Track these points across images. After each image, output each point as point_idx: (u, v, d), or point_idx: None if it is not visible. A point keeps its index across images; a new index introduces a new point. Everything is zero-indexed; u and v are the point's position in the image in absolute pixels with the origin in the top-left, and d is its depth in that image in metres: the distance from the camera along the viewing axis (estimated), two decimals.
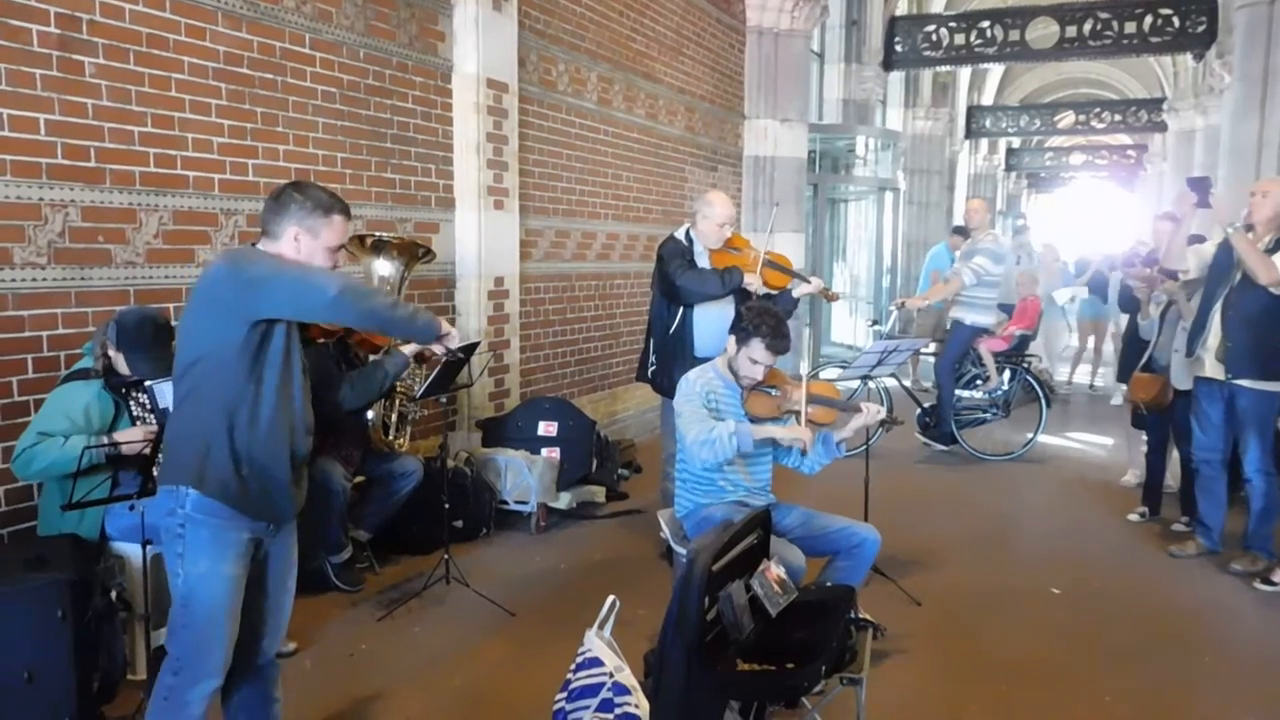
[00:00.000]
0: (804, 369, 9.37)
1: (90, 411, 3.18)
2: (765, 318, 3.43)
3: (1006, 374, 7.51)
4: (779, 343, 3.40)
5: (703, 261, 4.59)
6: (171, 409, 2.49)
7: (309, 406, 2.55)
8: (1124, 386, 5.96)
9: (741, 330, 3.44)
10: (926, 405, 7.43)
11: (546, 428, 5.55)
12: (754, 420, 3.50)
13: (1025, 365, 7.64)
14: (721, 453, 3.30)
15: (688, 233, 4.67)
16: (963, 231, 8.55)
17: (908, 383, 7.53)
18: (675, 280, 4.51)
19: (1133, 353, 5.84)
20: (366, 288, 2.49)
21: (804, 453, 3.47)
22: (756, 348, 3.40)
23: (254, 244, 2.50)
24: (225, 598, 2.37)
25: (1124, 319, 6.20)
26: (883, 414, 3.55)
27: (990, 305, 7.13)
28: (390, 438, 4.47)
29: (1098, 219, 32.26)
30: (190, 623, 2.36)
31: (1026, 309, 8.87)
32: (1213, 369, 4.62)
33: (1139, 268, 5.73)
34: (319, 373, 3.97)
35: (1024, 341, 8.47)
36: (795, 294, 4.64)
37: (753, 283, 4.42)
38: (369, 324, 2.54)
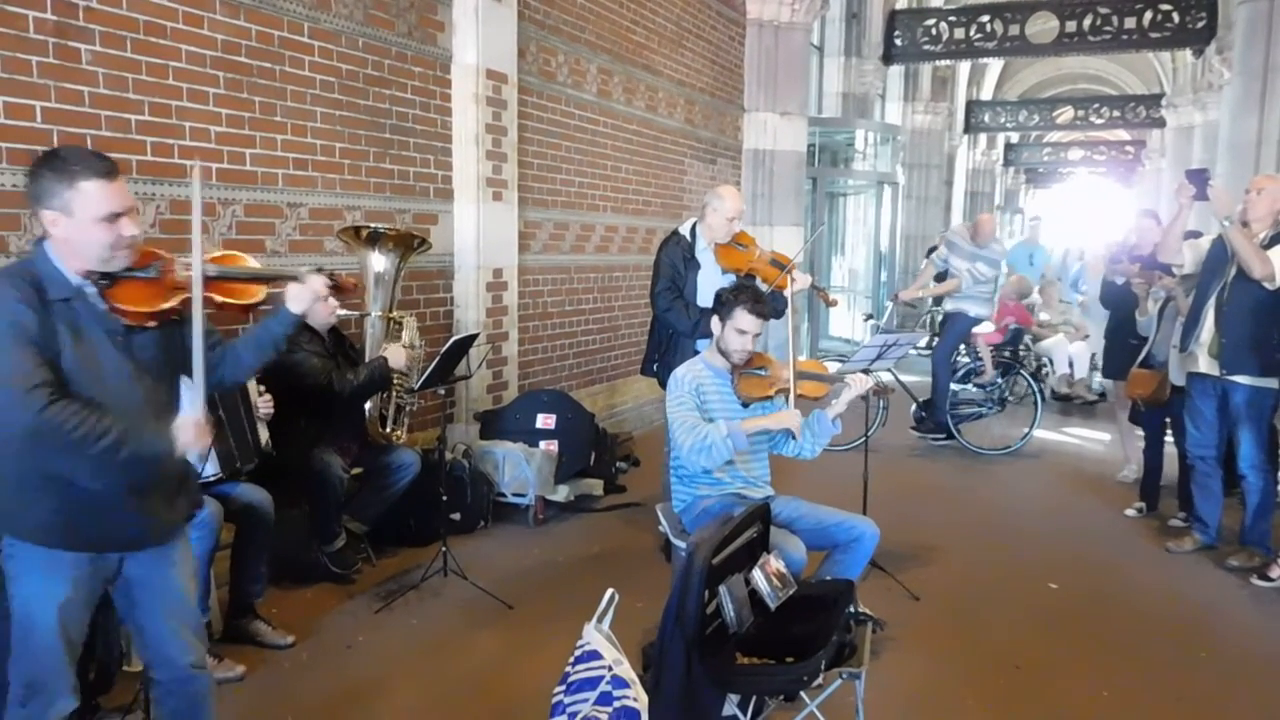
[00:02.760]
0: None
1: None
2: (743, 290, 3.55)
3: (1000, 370, 7.57)
4: (761, 307, 3.47)
5: (705, 258, 4.60)
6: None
7: (154, 413, 2.19)
8: (1111, 383, 6.00)
9: (723, 306, 3.51)
10: (921, 400, 7.44)
11: (545, 420, 5.54)
12: (746, 403, 3.52)
13: (1021, 360, 7.67)
14: (718, 457, 3.31)
15: (693, 228, 4.67)
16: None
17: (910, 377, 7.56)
18: (655, 307, 4.65)
19: (1118, 349, 5.86)
20: (72, 424, 1.99)
21: (794, 437, 3.48)
22: (740, 316, 3.45)
23: (40, 240, 2.15)
24: (60, 623, 2.17)
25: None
26: (870, 383, 3.56)
27: (988, 298, 7.32)
28: (388, 430, 4.45)
29: (1096, 214, 32.23)
30: (29, 648, 2.18)
31: (1015, 307, 8.92)
32: (1207, 365, 4.62)
33: (1125, 264, 5.75)
34: (301, 374, 3.98)
35: (1018, 335, 8.50)
36: (785, 292, 4.62)
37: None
38: (77, 463, 2.08)
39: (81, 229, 2.07)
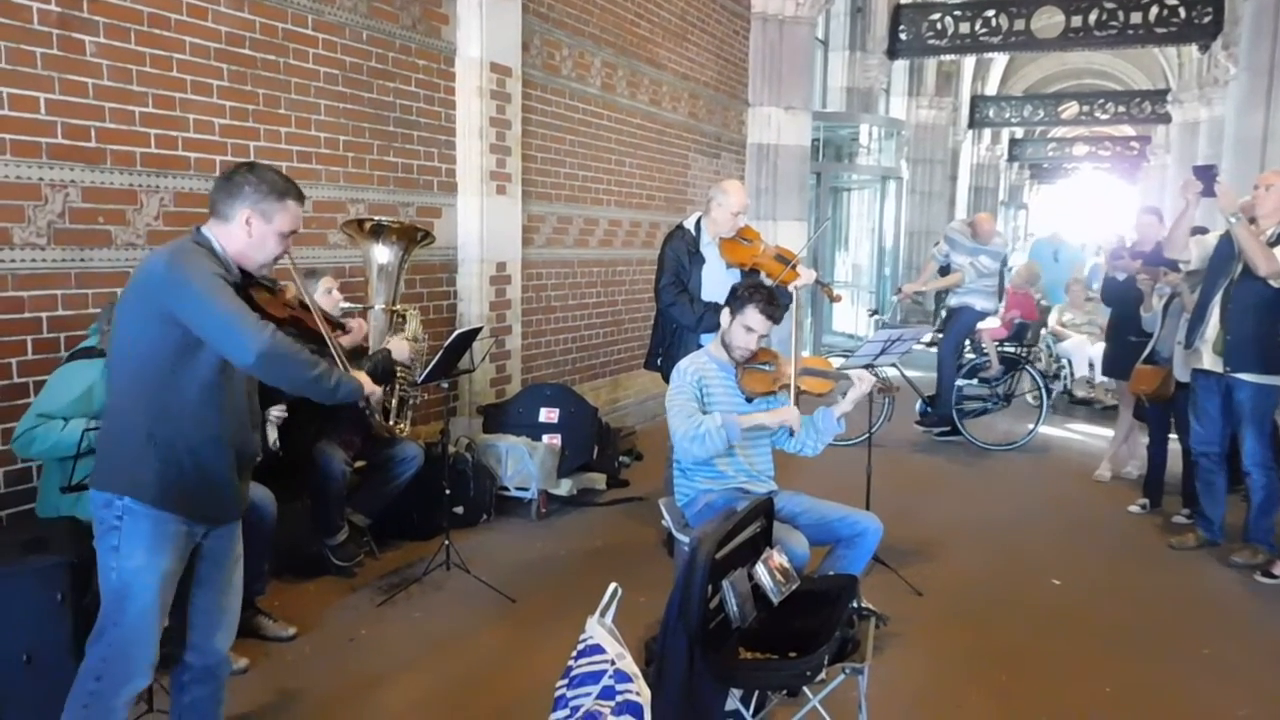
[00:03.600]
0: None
1: (93, 392, 3.13)
2: (759, 289, 3.54)
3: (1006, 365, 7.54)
4: (772, 309, 3.46)
5: (710, 252, 4.60)
6: (106, 405, 2.43)
7: (254, 399, 2.51)
8: (1110, 381, 5.96)
9: (736, 300, 3.51)
10: (927, 394, 7.43)
11: (548, 414, 5.54)
12: (750, 398, 3.52)
13: (1027, 356, 7.64)
14: (712, 447, 3.31)
15: (698, 222, 4.66)
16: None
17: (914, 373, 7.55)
18: (660, 302, 4.65)
19: (1119, 346, 5.84)
20: (292, 351, 2.31)
21: (792, 433, 3.49)
22: (751, 314, 3.44)
23: (199, 228, 2.39)
24: (160, 593, 2.31)
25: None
26: (875, 381, 3.55)
27: (993, 291, 7.32)
28: (391, 423, 4.45)
29: (1101, 210, 32.21)
30: (123, 620, 2.29)
31: (1019, 299, 8.86)
32: (1211, 362, 4.61)
33: (1126, 260, 5.73)
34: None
35: (1023, 329, 8.47)
36: (790, 288, 4.62)
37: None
38: (288, 388, 2.42)
39: (267, 236, 2.39)
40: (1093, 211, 32.23)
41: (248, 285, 2.43)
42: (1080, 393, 9.04)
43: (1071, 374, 9.06)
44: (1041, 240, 12.75)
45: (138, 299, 2.30)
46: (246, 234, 2.37)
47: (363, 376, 2.52)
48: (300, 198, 2.46)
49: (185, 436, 2.31)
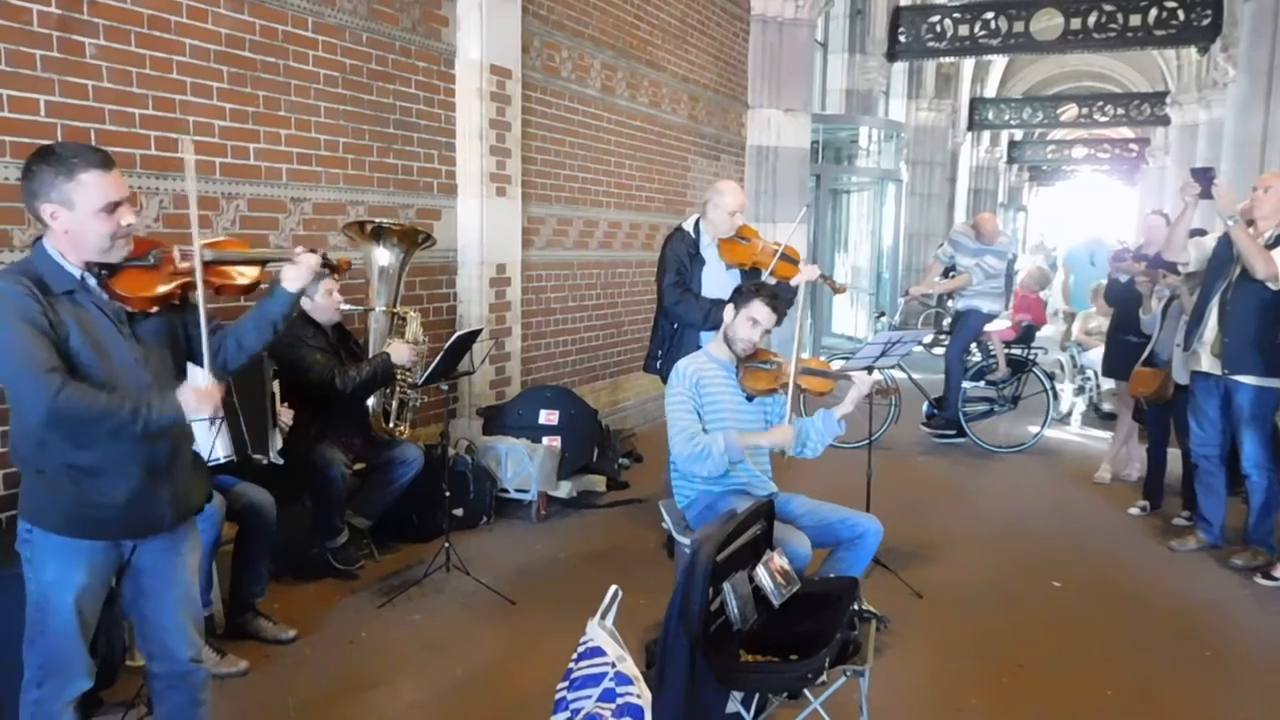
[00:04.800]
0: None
1: None
2: (764, 284, 3.65)
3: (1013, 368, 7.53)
4: (777, 302, 3.53)
5: (710, 253, 4.60)
6: None
7: (163, 396, 2.20)
8: (1111, 383, 5.93)
9: (741, 296, 3.57)
10: (934, 397, 7.43)
11: (548, 416, 5.54)
12: (751, 396, 3.55)
13: (1034, 359, 7.63)
14: (715, 468, 3.36)
15: (696, 224, 4.66)
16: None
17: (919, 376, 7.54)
18: (664, 301, 4.65)
19: (1120, 348, 5.84)
20: (84, 406, 2.04)
21: (783, 455, 3.54)
22: (757, 307, 3.50)
23: (38, 240, 2.18)
24: (77, 605, 2.21)
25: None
26: (873, 383, 3.58)
27: (1000, 293, 7.34)
28: (391, 425, 4.46)
29: (1099, 212, 32.24)
30: (47, 631, 2.22)
31: (1028, 302, 8.84)
32: (1209, 364, 4.61)
33: (1129, 262, 5.74)
34: (304, 370, 3.98)
35: (1030, 331, 8.44)
36: (793, 282, 4.62)
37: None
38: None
39: (83, 221, 2.10)
40: (1092, 213, 32.25)
41: (115, 273, 2.18)
42: (1107, 405, 8.46)
43: (1097, 385, 8.67)
44: (1079, 245, 12.62)
45: None
46: (61, 229, 2.11)
47: (186, 396, 2.15)
48: (102, 164, 2.11)
49: (70, 461, 2.14)
